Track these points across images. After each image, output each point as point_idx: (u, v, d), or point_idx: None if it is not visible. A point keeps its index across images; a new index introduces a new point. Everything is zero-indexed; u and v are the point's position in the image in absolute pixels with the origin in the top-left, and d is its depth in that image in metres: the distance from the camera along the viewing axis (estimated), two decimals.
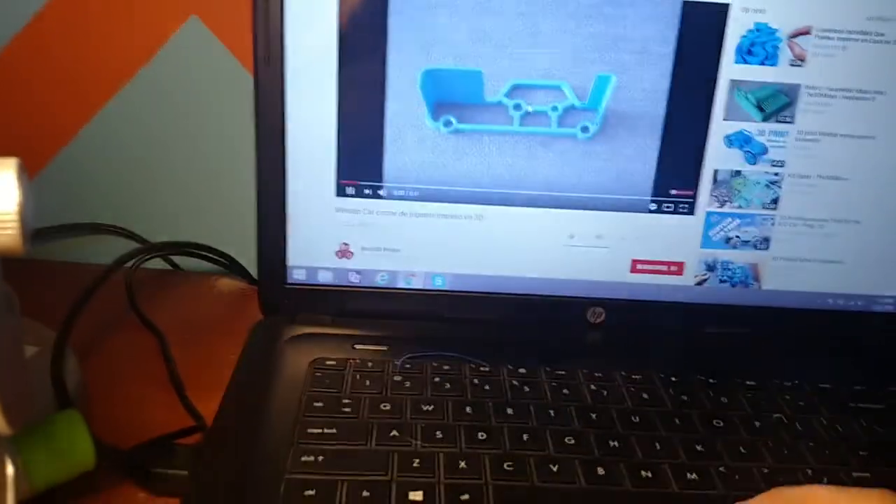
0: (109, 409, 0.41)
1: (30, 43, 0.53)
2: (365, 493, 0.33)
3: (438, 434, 0.37)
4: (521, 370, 0.43)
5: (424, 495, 0.33)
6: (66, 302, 0.44)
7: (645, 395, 0.41)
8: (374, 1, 0.42)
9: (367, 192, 0.46)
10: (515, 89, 0.44)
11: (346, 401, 0.40)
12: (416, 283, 0.48)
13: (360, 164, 0.45)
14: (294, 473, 0.34)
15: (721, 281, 0.48)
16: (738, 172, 0.46)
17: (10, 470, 0.29)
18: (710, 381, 0.43)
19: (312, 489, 0.33)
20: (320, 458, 0.35)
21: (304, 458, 0.35)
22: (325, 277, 0.47)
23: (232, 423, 0.38)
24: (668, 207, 0.46)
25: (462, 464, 0.35)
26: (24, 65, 0.54)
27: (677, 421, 0.40)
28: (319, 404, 0.39)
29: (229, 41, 0.53)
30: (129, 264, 0.50)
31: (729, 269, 0.47)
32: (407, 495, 0.33)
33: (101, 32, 0.53)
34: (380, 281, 0.47)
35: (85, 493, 0.35)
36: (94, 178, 0.57)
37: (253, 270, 0.55)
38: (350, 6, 0.42)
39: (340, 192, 0.45)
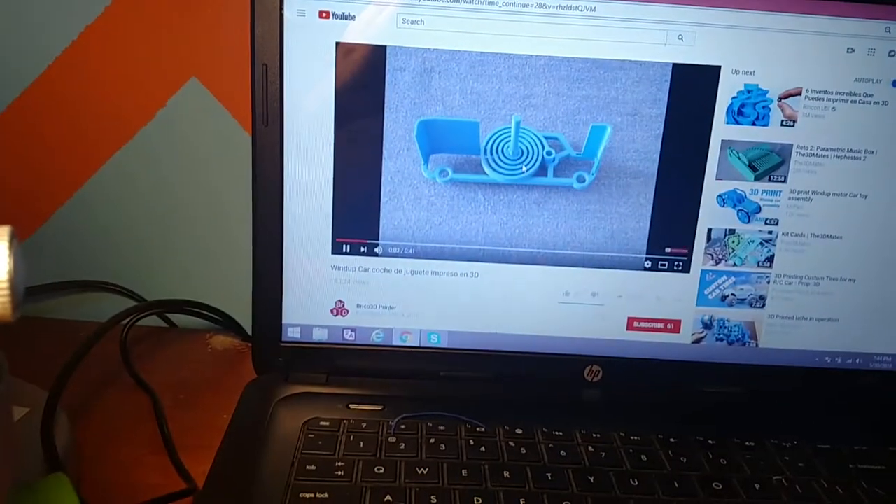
0: (100, 471, 0.41)
1: (30, 102, 0.54)
2: None
3: (433, 499, 0.37)
4: (518, 430, 0.42)
5: None
6: (60, 359, 0.44)
7: (643, 458, 0.41)
8: (371, 65, 0.43)
9: (362, 249, 0.46)
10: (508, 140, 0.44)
11: (340, 463, 0.39)
12: (412, 341, 0.47)
13: (356, 222, 0.45)
14: None
15: (718, 339, 0.47)
16: (732, 231, 0.46)
17: None
18: (709, 441, 0.43)
19: None
20: None
21: None
22: (319, 335, 0.47)
23: (222, 487, 0.37)
24: (663, 265, 0.46)
25: None
26: (23, 124, 0.54)
27: (676, 484, 0.39)
28: (312, 467, 0.39)
29: (228, 102, 0.54)
30: (124, 322, 0.50)
31: (725, 328, 0.47)
32: None
33: (102, 93, 0.54)
34: (375, 339, 0.47)
35: None
36: (91, 237, 0.57)
37: (247, 327, 0.55)
38: (347, 70, 0.43)
39: (336, 249, 0.46)
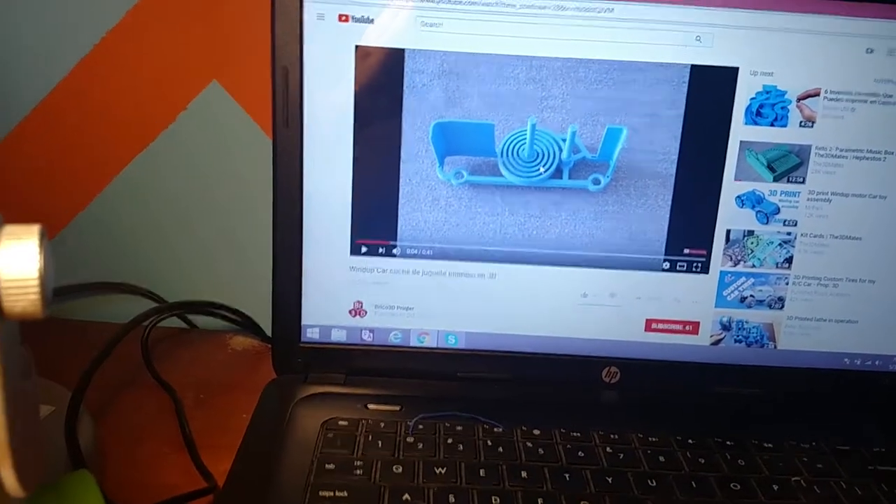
0: (122, 469, 0.41)
1: (53, 104, 0.55)
2: None
3: (451, 498, 0.37)
4: (535, 431, 0.42)
5: None
6: (82, 360, 0.44)
7: (661, 458, 0.41)
8: (390, 68, 0.43)
9: (381, 250, 0.46)
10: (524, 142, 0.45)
11: (358, 463, 0.39)
12: (430, 342, 0.48)
13: (375, 223, 0.46)
14: None
15: (736, 341, 0.47)
16: (750, 232, 0.46)
17: None
18: (727, 443, 0.43)
19: None
20: None
21: None
22: (338, 336, 0.47)
23: (242, 486, 0.38)
24: (681, 266, 0.46)
25: None
26: (46, 126, 0.55)
27: (694, 484, 0.39)
28: (331, 466, 0.39)
29: (249, 105, 0.55)
30: (145, 323, 0.51)
31: (744, 329, 0.47)
32: None
33: (124, 96, 0.55)
34: (393, 339, 0.47)
35: None
36: (113, 238, 0.58)
37: (266, 328, 0.55)
38: (366, 73, 0.43)
39: (355, 250, 0.46)
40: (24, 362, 0.25)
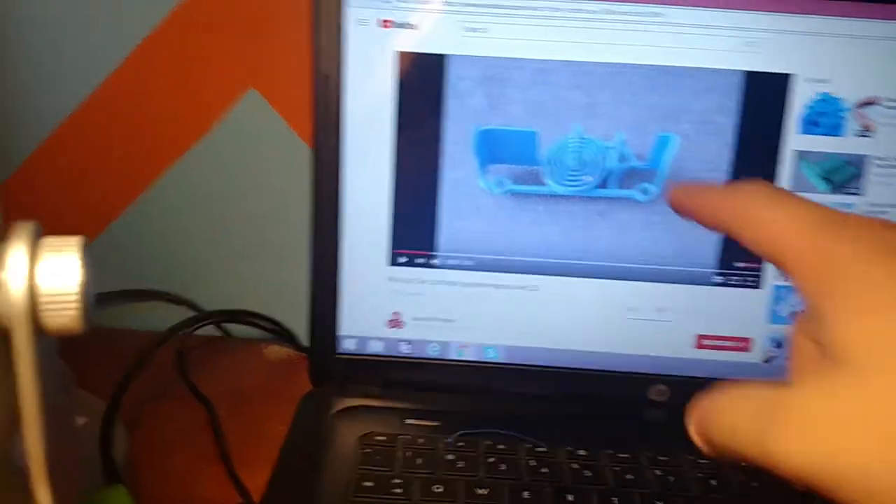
0: (156, 482, 0.41)
1: (91, 111, 0.55)
2: None
3: None
4: (581, 452, 0.41)
5: None
6: (115, 369, 0.44)
7: (714, 482, 0.39)
8: (432, 74, 0.42)
9: (420, 261, 0.45)
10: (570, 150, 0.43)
11: (397, 481, 0.38)
12: (469, 355, 0.46)
13: (414, 233, 0.45)
14: None
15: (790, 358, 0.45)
16: None
17: None
18: None
19: None
20: None
21: None
22: (375, 347, 0.46)
23: (280, 503, 0.37)
24: (733, 281, 0.44)
25: None
26: (82, 133, 0.55)
27: None
28: (370, 484, 0.38)
29: (287, 113, 0.54)
30: (181, 332, 0.50)
31: None
32: None
33: (161, 103, 0.54)
34: (431, 352, 0.46)
35: None
36: (147, 246, 0.57)
37: (301, 337, 0.54)
38: (408, 80, 0.42)
39: (394, 261, 0.45)
40: (63, 377, 0.25)
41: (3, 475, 0.26)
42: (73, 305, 0.21)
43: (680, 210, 0.26)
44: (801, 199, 0.22)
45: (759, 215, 0.22)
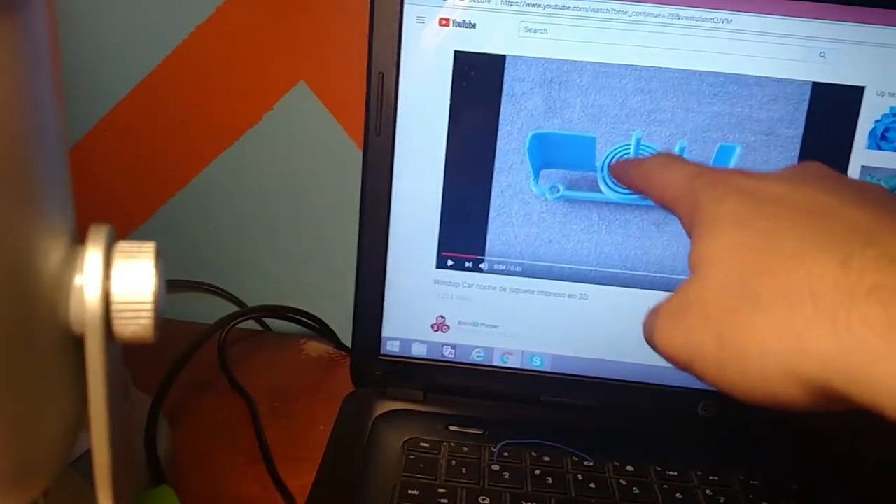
0: (198, 481, 0.40)
1: (138, 100, 0.54)
2: None
3: None
4: (629, 468, 0.40)
5: None
6: (157, 359, 0.43)
7: (765, 503, 0.38)
8: (489, 75, 0.41)
9: (467, 265, 0.44)
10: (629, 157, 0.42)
11: (442, 490, 0.37)
12: (513, 363, 0.45)
13: (463, 237, 0.44)
14: None
15: None
16: None
17: None
18: (837, 488, 0.39)
19: None
20: None
21: None
22: (418, 351, 0.46)
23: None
24: None
25: None
26: (130, 122, 0.55)
27: None
28: (415, 492, 0.37)
29: (335, 108, 0.53)
30: (223, 330, 0.50)
31: None
32: None
33: (210, 93, 0.54)
34: (475, 357, 0.46)
35: None
36: (191, 236, 0.57)
37: (341, 334, 0.54)
38: (464, 80, 0.41)
39: (441, 264, 0.44)
40: (125, 383, 0.24)
41: (62, 475, 0.26)
42: (147, 315, 0.20)
43: (617, 180, 0.33)
44: (687, 162, 0.28)
45: (657, 175, 0.29)
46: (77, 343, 0.21)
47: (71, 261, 0.20)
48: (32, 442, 0.20)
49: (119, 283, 0.20)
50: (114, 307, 0.20)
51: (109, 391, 0.20)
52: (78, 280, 0.20)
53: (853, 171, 0.42)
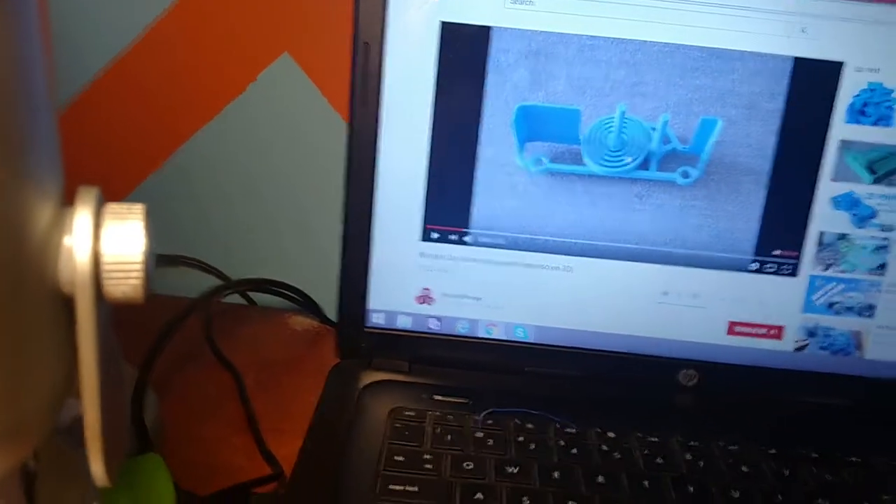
0: (185, 451, 0.41)
1: (119, 73, 0.54)
2: None
3: (525, 500, 0.36)
4: (611, 434, 0.41)
5: None
6: (143, 335, 0.43)
7: (744, 468, 0.39)
8: (475, 47, 0.41)
9: (452, 237, 0.44)
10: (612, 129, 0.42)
11: (428, 456, 0.38)
12: (498, 334, 0.46)
13: (448, 209, 0.44)
14: None
15: (822, 348, 0.45)
16: (844, 235, 0.43)
17: None
18: (812, 455, 0.41)
19: None
20: None
21: None
22: (404, 323, 0.46)
23: (311, 475, 0.37)
24: (769, 268, 0.44)
25: None
26: (112, 94, 0.54)
27: (780, 497, 0.37)
28: (400, 458, 0.38)
29: (319, 80, 0.53)
30: (209, 301, 0.50)
31: (830, 336, 0.45)
32: None
33: (193, 65, 0.53)
34: (460, 329, 0.46)
35: None
36: (176, 210, 0.57)
37: (326, 308, 0.54)
38: (450, 52, 0.41)
39: (426, 236, 0.44)
40: (114, 347, 0.24)
41: (52, 440, 0.26)
42: (136, 275, 0.20)
43: None
44: None
45: None
46: (67, 304, 0.21)
47: (60, 222, 0.20)
48: (22, 402, 0.20)
49: (109, 243, 0.20)
50: (103, 267, 0.20)
51: (99, 351, 0.21)
52: (67, 241, 0.20)
53: (832, 145, 0.42)
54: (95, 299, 0.20)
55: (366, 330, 0.46)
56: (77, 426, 0.23)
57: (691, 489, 0.37)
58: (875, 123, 0.42)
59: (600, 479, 0.37)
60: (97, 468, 0.22)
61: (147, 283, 0.21)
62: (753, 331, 0.45)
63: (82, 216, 0.20)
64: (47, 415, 0.22)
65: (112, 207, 0.20)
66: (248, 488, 0.37)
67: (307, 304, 0.54)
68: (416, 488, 0.36)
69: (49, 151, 0.20)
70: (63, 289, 0.20)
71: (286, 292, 0.53)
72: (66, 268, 0.20)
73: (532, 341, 0.46)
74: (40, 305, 0.20)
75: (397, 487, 0.36)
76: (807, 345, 0.45)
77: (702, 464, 0.39)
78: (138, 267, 0.20)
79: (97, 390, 0.21)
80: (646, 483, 0.37)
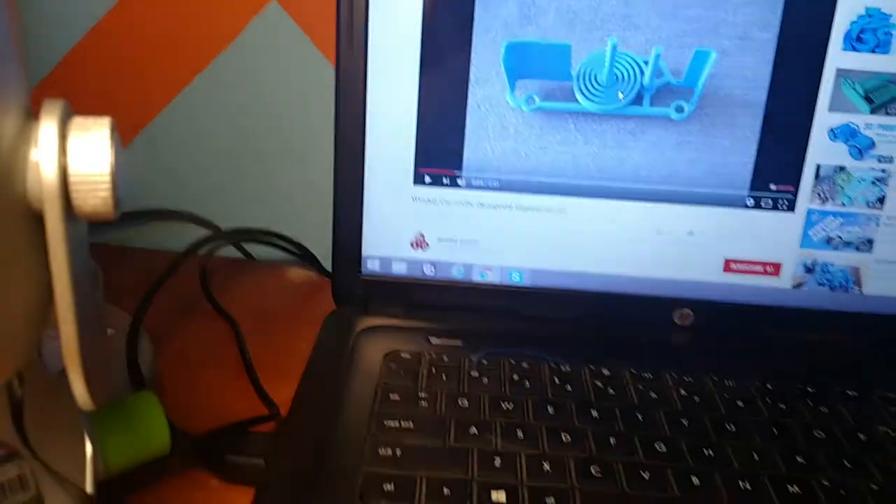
0: (182, 395, 0.41)
1: (112, 22, 0.53)
2: (445, 491, 0.32)
3: (519, 434, 0.36)
4: (605, 371, 0.41)
5: (508, 496, 0.32)
6: (140, 287, 0.44)
7: (739, 403, 0.39)
8: None
9: (445, 181, 0.44)
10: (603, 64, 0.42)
11: (423, 395, 0.38)
12: (492, 278, 0.46)
13: (440, 152, 0.44)
14: (372, 466, 0.33)
15: (819, 284, 0.44)
16: (841, 168, 0.43)
17: (88, 448, 0.28)
18: (808, 389, 0.40)
19: (391, 483, 0.32)
20: (398, 451, 0.34)
21: (381, 452, 0.34)
22: (399, 269, 0.46)
23: (307, 413, 0.37)
24: (766, 203, 0.43)
25: (546, 466, 0.34)
26: (102, 48, 0.54)
27: (775, 431, 0.37)
28: (395, 397, 0.38)
29: (308, 27, 0.52)
30: (201, 251, 0.50)
31: (828, 272, 0.44)
32: (489, 495, 0.32)
33: (181, 16, 0.53)
34: (455, 274, 0.46)
35: (157, 478, 0.35)
36: (170, 163, 0.57)
37: (323, 259, 0.54)
38: None
39: (418, 180, 0.44)
40: (93, 273, 0.24)
41: (38, 368, 0.26)
42: (104, 187, 0.20)
43: None
44: None
45: None
46: (39, 223, 0.21)
47: (26, 136, 0.20)
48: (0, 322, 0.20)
49: (75, 156, 0.20)
50: (71, 180, 0.20)
51: (72, 266, 0.21)
52: (34, 155, 0.20)
53: (828, 74, 0.41)
54: (64, 214, 0.20)
55: (361, 277, 0.46)
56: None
57: (686, 423, 0.37)
58: (872, 51, 0.41)
59: (594, 413, 0.37)
60: (78, 387, 0.22)
61: (116, 197, 0.21)
62: (750, 268, 0.44)
63: (47, 129, 0.20)
64: (26, 335, 0.22)
65: (77, 121, 0.20)
66: (245, 427, 0.37)
67: (304, 256, 0.54)
68: (410, 424, 0.36)
69: (10, 62, 0.20)
70: (33, 205, 0.20)
71: (281, 243, 0.53)
72: (33, 183, 0.20)
73: (527, 284, 0.46)
74: (11, 222, 0.20)
75: (392, 423, 0.36)
76: (804, 281, 0.44)
77: (696, 399, 0.39)
78: (106, 179, 0.20)
79: (72, 304, 0.21)
80: (640, 416, 0.37)
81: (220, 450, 0.35)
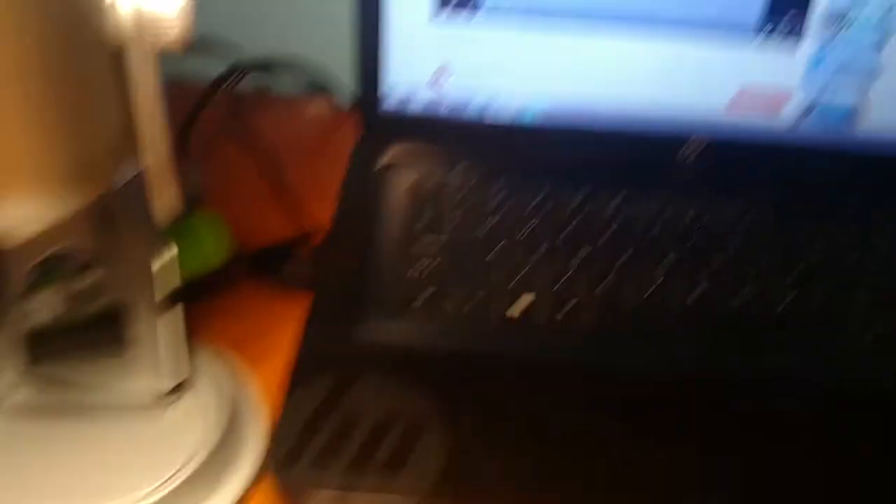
0: (227, 214, 0.44)
1: None
2: (480, 293, 0.37)
3: (543, 248, 0.40)
4: (618, 198, 0.44)
5: (534, 300, 0.37)
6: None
7: (744, 226, 0.42)
8: None
9: (466, 11, 0.45)
10: None
11: (453, 213, 0.42)
12: (510, 114, 0.47)
13: None
14: (412, 272, 0.38)
15: (825, 119, 0.46)
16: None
17: (165, 255, 0.31)
18: (814, 211, 0.44)
19: (431, 287, 0.37)
20: (436, 261, 0.38)
21: (420, 262, 0.38)
22: (420, 103, 0.47)
23: (345, 234, 0.41)
24: (776, 35, 0.44)
25: (567, 275, 0.38)
26: None
27: (781, 248, 0.41)
28: (430, 214, 0.42)
29: None
30: (224, 84, 0.51)
31: (834, 106, 0.46)
32: (517, 298, 0.36)
33: None
34: (474, 109, 0.47)
35: (219, 287, 0.39)
36: None
37: (345, 94, 0.55)
38: None
39: (438, 11, 0.44)
40: (164, 101, 0.27)
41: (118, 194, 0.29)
42: (176, 25, 0.22)
43: None
44: None
45: None
46: (118, 59, 0.23)
47: None
48: (90, 143, 0.24)
49: None
50: (145, 20, 0.22)
51: (153, 94, 0.23)
52: None
53: None
54: (140, 48, 0.22)
55: (382, 112, 0.47)
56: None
57: (695, 240, 0.41)
58: None
59: (613, 226, 0.41)
60: (168, 195, 0.26)
61: (187, 33, 0.23)
62: (758, 102, 0.46)
63: None
64: (112, 159, 0.25)
65: None
66: (290, 247, 0.41)
67: (325, 88, 0.55)
68: (445, 237, 0.40)
69: None
70: (113, 41, 0.23)
71: (303, 72, 0.54)
72: (113, 22, 0.22)
73: (543, 122, 0.47)
74: (94, 54, 0.23)
75: (429, 236, 0.40)
76: (811, 116, 0.46)
77: (703, 220, 0.42)
78: (177, 19, 0.22)
79: (161, 126, 0.24)
80: (652, 235, 0.41)
81: (275, 260, 0.39)
